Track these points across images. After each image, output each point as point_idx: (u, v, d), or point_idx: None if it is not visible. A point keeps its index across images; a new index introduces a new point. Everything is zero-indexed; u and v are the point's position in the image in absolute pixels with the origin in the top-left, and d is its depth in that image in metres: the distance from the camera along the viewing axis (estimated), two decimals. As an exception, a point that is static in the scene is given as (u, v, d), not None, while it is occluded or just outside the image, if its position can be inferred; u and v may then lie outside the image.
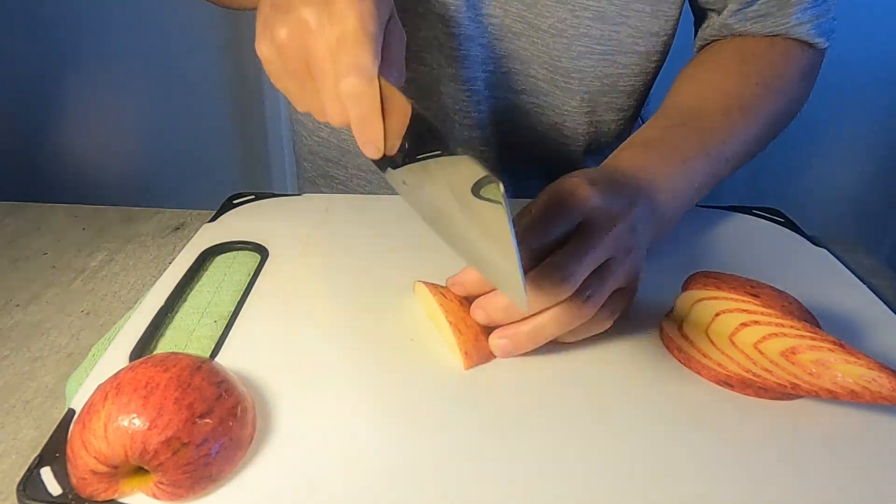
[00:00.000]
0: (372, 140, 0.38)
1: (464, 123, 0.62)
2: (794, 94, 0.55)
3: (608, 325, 0.40)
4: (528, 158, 0.66)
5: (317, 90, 0.38)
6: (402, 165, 0.40)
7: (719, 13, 0.57)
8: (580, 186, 0.40)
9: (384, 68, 0.37)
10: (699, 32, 0.60)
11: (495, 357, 0.39)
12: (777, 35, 0.55)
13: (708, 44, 0.59)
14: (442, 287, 0.42)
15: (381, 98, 0.37)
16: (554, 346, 0.40)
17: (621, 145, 0.49)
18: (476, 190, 0.34)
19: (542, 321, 0.38)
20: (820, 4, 0.53)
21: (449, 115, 0.62)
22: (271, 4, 0.40)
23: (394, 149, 0.39)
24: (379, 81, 0.37)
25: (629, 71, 0.59)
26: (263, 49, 0.39)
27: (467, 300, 0.41)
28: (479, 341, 0.39)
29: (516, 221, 0.41)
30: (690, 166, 0.47)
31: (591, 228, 0.39)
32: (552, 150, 0.65)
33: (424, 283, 0.42)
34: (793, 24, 0.53)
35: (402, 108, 0.37)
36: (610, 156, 0.48)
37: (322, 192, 0.74)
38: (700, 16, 0.60)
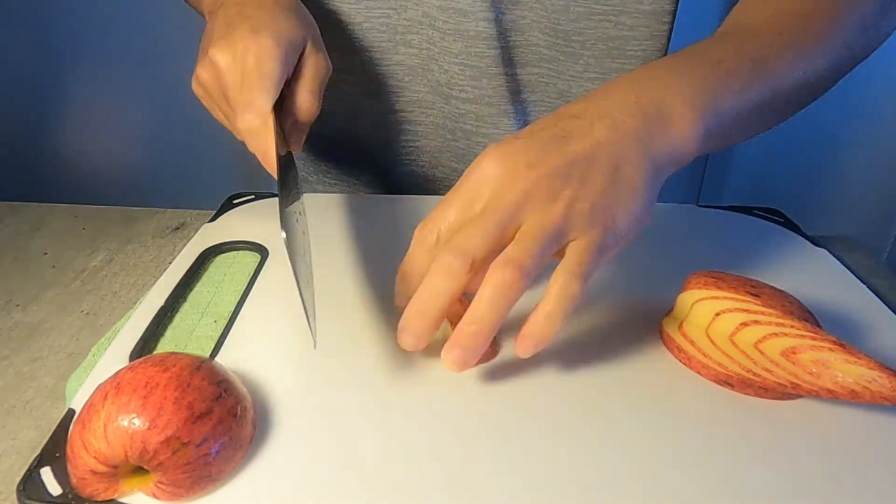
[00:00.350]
0: (270, 169, 0.42)
1: (460, 97, 0.61)
2: (868, 21, 0.44)
3: (575, 288, 0.33)
4: None
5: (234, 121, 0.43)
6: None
7: None
8: (486, 154, 0.35)
9: (290, 100, 0.43)
10: None
11: (493, 356, 0.39)
12: None
13: None
14: None
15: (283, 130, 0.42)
16: (554, 345, 0.40)
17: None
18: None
19: (478, 310, 0.32)
20: None
21: (443, 90, 0.61)
22: (201, 45, 0.45)
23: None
24: (282, 126, 0.41)
25: (637, 34, 0.57)
26: (194, 87, 0.45)
27: (465, 296, 0.41)
28: None
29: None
30: (726, 67, 0.38)
31: (488, 190, 0.34)
32: None
33: None
34: None
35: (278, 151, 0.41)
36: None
37: (317, 190, 0.74)
38: None
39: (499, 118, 0.63)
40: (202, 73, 0.43)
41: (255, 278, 0.47)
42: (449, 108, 0.62)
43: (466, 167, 0.69)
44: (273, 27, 0.42)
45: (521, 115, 0.63)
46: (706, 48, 0.40)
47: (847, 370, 0.34)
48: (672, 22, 0.58)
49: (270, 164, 0.42)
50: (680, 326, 0.40)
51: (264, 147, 0.41)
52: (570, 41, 0.57)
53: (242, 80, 0.41)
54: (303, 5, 0.48)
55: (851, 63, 0.45)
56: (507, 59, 0.59)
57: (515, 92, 0.61)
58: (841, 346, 0.34)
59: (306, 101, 0.44)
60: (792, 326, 0.36)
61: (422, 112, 0.64)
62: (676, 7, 0.57)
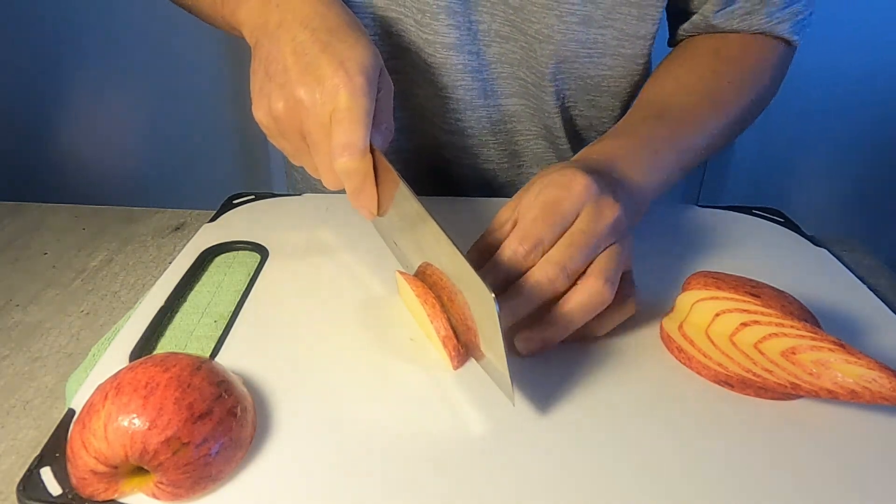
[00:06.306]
0: (365, 206, 0.41)
1: (444, 129, 0.61)
2: (763, 90, 0.57)
3: (632, 310, 0.41)
4: (530, 164, 0.66)
5: (311, 156, 0.41)
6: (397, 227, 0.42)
7: (695, 14, 0.58)
8: (575, 179, 0.40)
9: (374, 129, 0.40)
10: (678, 29, 0.60)
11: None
12: (759, 33, 0.56)
13: (686, 37, 0.60)
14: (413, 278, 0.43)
15: (374, 166, 0.40)
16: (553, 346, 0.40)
17: (596, 139, 0.50)
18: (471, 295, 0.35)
19: (569, 314, 0.38)
20: (797, 2, 0.55)
21: (427, 119, 0.61)
22: (265, 72, 0.42)
23: (385, 212, 0.42)
24: (372, 153, 0.39)
25: (614, 73, 0.59)
26: (261, 116, 0.42)
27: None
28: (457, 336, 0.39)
29: (506, 214, 0.42)
30: (660, 157, 0.48)
31: (595, 217, 0.39)
32: (550, 150, 0.65)
33: (402, 273, 0.43)
34: (775, 22, 0.55)
35: (393, 177, 0.39)
36: (581, 150, 0.48)
37: (319, 191, 0.74)
38: (675, 13, 0.60)
39: (479, 148, 0.63)
40: (278, 105, 0.40)
41: (255, 278, 0.47)
42: (433, 133, 0.62)
43: (448, 189, 0.69)
44: (356, 57, 0.39)
45: (506, 144, 0.64)
46: (646, 136, 0.49)
47: (847, 370, 0.34)
48: (647, 64, 0.60)
49: (367, 202, 0.41)
50: (680, 326, 0.40)
51: (363, 185, 0.40)
52: (553, 81, 0.58)
53: (333, 118, 0.38)
54: (355, 16, 0.44)
55: (746, 122, 0.57)
56: (492, 90, 0.59)
57: (499, 122, 0.62)
58: (841, 346, 0.34)
59: (385, 127, 0.42)
60: (792, 326, 0.36)
61: (405, 138, 0.63)
62: (651, 51, 0.59)
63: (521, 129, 0.63)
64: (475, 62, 0.57)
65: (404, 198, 0.38)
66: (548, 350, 0.39)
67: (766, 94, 0.57)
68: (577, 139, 0.65)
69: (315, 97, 0.39)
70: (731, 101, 0.54)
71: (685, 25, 0.59)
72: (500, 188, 0.67)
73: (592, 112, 0.63)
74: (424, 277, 0.42)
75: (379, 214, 0.42)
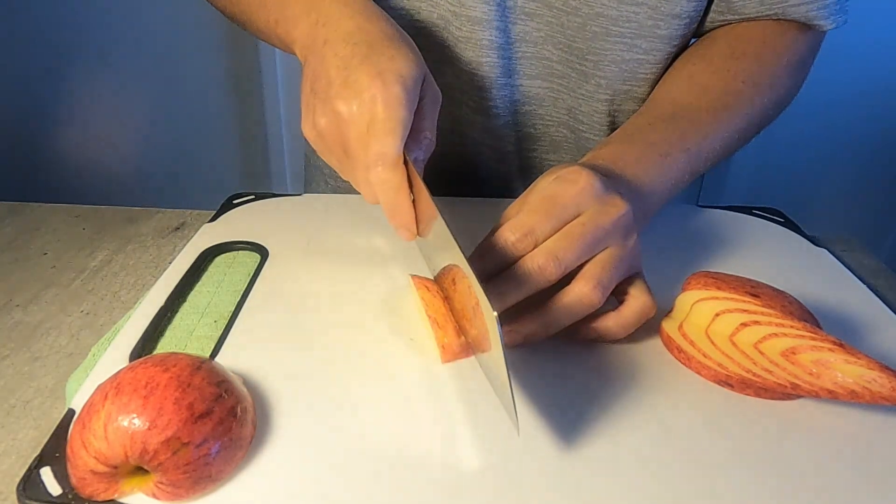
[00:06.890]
0: (403, 224, 0.40)
1: (471, 107, 0.61)
2: (783, 89, 0.55)
3: (652, 310, 0.40)
4: (547, 149, 0.65)
5: (353, 170, 0.42)
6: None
7: None
8: (581, 175, 0.40)
9: (413, 140, 0.40)
10: (705, 19, 0.58)
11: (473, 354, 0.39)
12: (779, 18, 0.54)
13: (710, 28, 0.58)
14: (428, 281, 0.43)
15: (410, 183, 0.39)
16: (553, 345, 0.40)
17: (601, 141, 0.49)
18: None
19: (553, 314, 0.38)
20: None
21: (455, 98, 0.61)
22: (311, 88, 0.42)
23: (425, 232, 0.41)
24: (407, 168, 0.39)
25: (651, 57, 0.57)
26: (307, 132, 0.43)
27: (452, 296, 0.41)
28: (458, 336, 0.39)
29: (513, 211, 0.42)
30: (669, 162, 0.47)
31: (598, 212, 0.39)
32: (570, 140, 0.64)
33: (414, 276, 0.43)
34: (793, 5, 0.52)
35: (428, 197, 0.38)
36: (588, 153, 0.48)
37: (320, 189, 0.74)
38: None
39: (503, 129, 0.62)
40: (321, 120, 0.41)
41: (255, 278, 0.47)
42: (458, 114, 0.62)
43: (469, 172, 0.68)
44: (395, 69, 0.39)
45: (526, 127, 0.63)
46: (654, 139, 0.49)
47: (847, 370, 0.34)
48: (684, 46, 0.58)
49: (404, 218, 0.40)
50: (680, 327, 0.40)
51: (398, 198, 0.39)
52: (583, 59, 0.57)
53: (369, 129, 0.39)
54: (402, 29, 0.45)
55: (763, 123, 0.55)
56: (515, 69, 0.59)
57: (519, 103, 0.61)
58: (841, 346, 0.34)
59: (427, 137, 0.42)
60: (792, 327, 0.36)
61: None
62: (691, 33, 0.57)
63: (543, 112, 0.62)
64: (501, 39, 0.56)
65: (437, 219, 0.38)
66: (531, 345, 0.39)
67: (784, 94, 0.55)
68: (604, 132, 0.63)
69: (353, 109, 0.39)
70: (746, 101, 0.52)
71: (711, 14, 0.57)
72: (517, 172, 0.67)
73: (631, 105, 0.60)
74: (443, 281, 0.42)
75: (419, 234, 0.42)
